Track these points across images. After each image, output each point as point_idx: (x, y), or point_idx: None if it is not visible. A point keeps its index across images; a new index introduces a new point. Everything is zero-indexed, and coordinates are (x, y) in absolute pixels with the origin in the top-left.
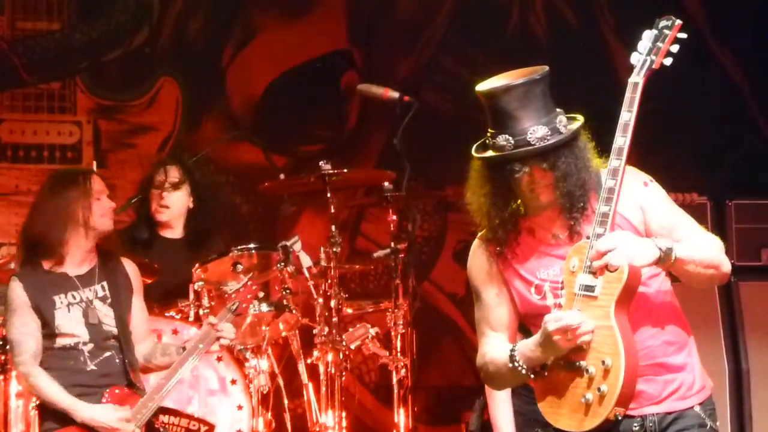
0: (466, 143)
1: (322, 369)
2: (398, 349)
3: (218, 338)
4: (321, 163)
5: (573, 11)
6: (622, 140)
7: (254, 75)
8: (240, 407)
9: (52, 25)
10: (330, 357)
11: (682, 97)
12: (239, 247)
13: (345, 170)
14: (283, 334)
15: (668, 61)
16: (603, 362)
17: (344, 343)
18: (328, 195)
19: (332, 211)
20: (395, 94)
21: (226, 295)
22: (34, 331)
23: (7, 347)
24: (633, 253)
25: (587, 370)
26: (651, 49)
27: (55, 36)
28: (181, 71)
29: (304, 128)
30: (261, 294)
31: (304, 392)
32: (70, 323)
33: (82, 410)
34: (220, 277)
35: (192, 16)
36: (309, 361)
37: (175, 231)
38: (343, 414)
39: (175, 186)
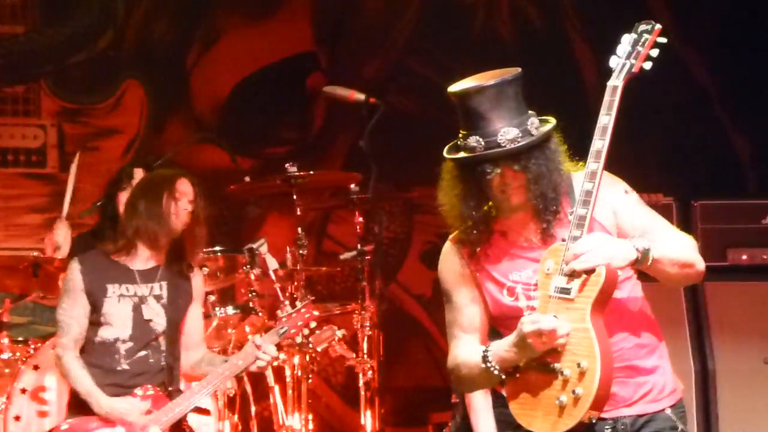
0: (432, 145)
1: (288, 372)
2: (365, 351)
3: (258, 358)
4: (287, 165)
5: (538, 12)
6: (600, 143)
7: (219, 77)
8: (206, 411)
9: (16, 29)
10: (296, 359)
11: (647, 98)
12: (205, 250)
13: (311, 172)
14: (250, 337)
15: (648, 65)
16: (578, 365)
17: (311, 345)
18: (294, 197)
19: (298, 213)
20: (361, 96)
21: (278, 318)
22: (80, 316)
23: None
24: (611, 254)
25: (562, 372)
26: (630, 53)
27: (19, 39)
28: (146, 74)
29: (270, 130)
30: (313, 324)
31: (270, 395)
32: (117, 315)
33: (103, 400)
34: None
35: (156, 18)
36: (275, 363)
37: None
38: (310, 416)
39: None
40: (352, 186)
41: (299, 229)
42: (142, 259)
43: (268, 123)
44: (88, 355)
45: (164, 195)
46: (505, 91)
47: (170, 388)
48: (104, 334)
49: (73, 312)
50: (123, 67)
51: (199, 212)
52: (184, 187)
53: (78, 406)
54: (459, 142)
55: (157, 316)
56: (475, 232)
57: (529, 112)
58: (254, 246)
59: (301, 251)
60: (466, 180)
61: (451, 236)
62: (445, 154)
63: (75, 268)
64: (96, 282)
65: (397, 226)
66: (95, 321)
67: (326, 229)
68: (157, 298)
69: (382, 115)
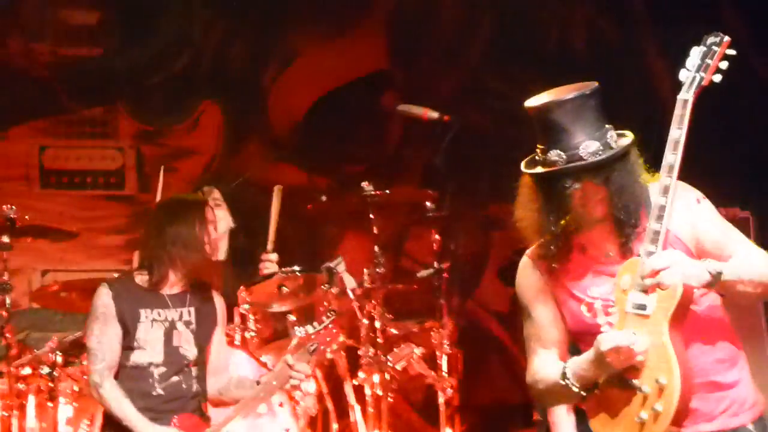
0: (507, 161)
1: (368, 390)
2: (444, 369)
3: (291, 377)
4: (362, 183)
5: (612, 25)
6: (672, 157)
7: (295, 96)
8: (287, 430)
9: (94, 51)
10: (376, 378)
11: (724, 110)
12: (284, 269)
13: (387, 191)
14: (329, 356)
15: (717, 78)
16: (657, 381)
17: (390, 363)
18: (371, 215)
19: (375, 231)
20: (435, 114)
21: (306, 334)
22: (113, 341)
23: (54, 373)
24: (686, 273)
25: (641, 389)
26: (700, 66)
27: (96, 62)
28: (223, 94)
29: (346, 149)
30: (341, 338)
31: (351, 414)
32: (150, 340)
33: (147, 429)
34: (266, 299)
35: (233, 39)
36: (355, 382)
37: (218, 253)
38: None
39: (216, 206)
40: (428, 203)
41: (376, 248)
42: (170, 284)
43: (344, 141)
44: (120, 379)
45: (197, 223)
46: (585, 104)
47: (206, 415)
48: (136, 358)
49: (106, 338)
50: (200, 88)
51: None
52: (211, 215)
53: (114, 428)
54: (537, 157)
55: (186, 342)
56: (553, 247)
57: (607, 125)
58: (332, 265)
59: (378, 269)
60: (546, 194)
61: (528, 251)
62: (523, 168)
63: (105, 293)
64: (128, 307)
65: (473, 243)
66: (127, 346)
67: (403, 247)
68: (187, 324)
69: (457, 132)
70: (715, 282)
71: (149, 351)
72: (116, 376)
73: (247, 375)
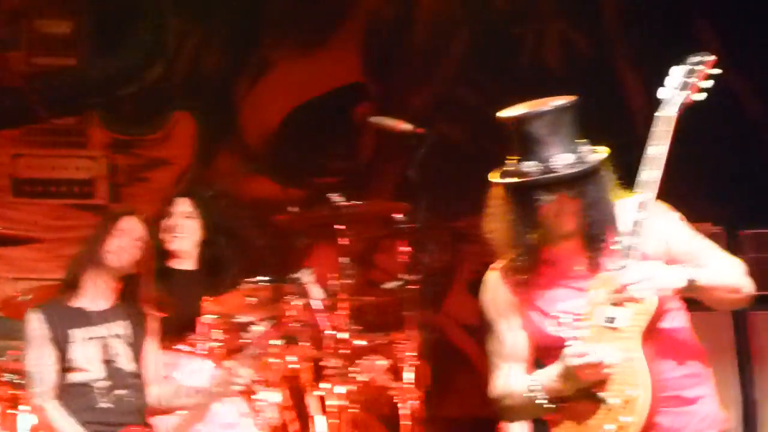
0: (480, 174)
1: (332, 401)
2: (410, 381)
3: (233, 383)
4: (332, 195)
5: (587, 41)
6: (651, 173)
7: (269, 108)
8: None
9: (68, 61)
10: (340, 389)
11: (695, 126)
12: (251, 279)
13: (358, 202)
14: (225, 363)
15: (700, 97)
16: (625, 393)
17: (354, 375)
18: (341, 227)
19: (344, 243)
20: (408, 127)
21: (247, 340)
22: (52, 363)
23: (18, 381)
24: (659, 284)
25: (608, 401)
26: (684, 85)
27: (70, 71)
28: (196, 105)
29: (319, 161)
30: (281, 341)
31: (312, 425)
32: (85, 359)
33: None
34: (232, 310)
35: (206, 50)
36: (319, 393)
37: (187, 262)
38: None
39: (186, 216)
40: (399, 215)
41: (344, 259)
42: (93, 299)
43: (317, 153)
44: (63, 399)
45: (104, 232)
46: (562, 117)
47: (151, 426)
48: (75, 377)
49: (42, 361)
50: (173, 98)
51: (146, 252)
52: (128, 225)
53: None
54: (508, 168)
55: (121, 357)
56: (526, 258)
57: (582, 140)
58: (300, 276)
59: (346, 281)
60: (518, 205)
61: (493, 265)
62: (495, 179)
63: (35, 318)
64: (59, 329)
65: (443, 256)
66: (66, 367)
67: (373, 259)
68: (119, 337)
69: (430, 145)
70: (690, 288)
71: (88, 369)
72: (60, 397)
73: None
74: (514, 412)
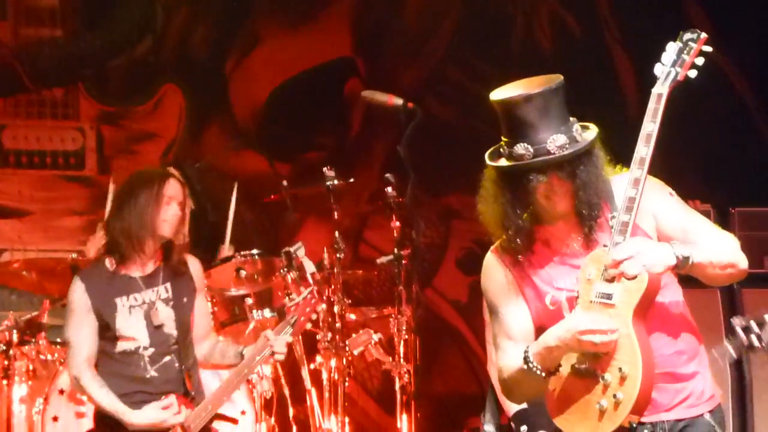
0: (469, 152)
1: (325, 375)
2: (401, 356)
3: (273, 353)
4: (324, 169)
5: (577, 21)
6: (644, 150)
7: (258, 82)
8: (243, 412)
9: (56, 32)
10: (333, 363)
11: (685, 105)
12: (242, 253)
13: (349, 178)
14: (263, 333)
15: (693, 74)
16: (620, 369)
17: (347, 349)
18: (332, 202)
19: (335, 217)
20: (399, 101)
21: (286, 308)
22: (90, 334)
23: (9, 351)
24: (651, 260)
25: (603, 377)
26: (676, 61)
27: (58, 43)
28: (185, 78)
29: (308, 135)
30: (322, 307)
31: (307, 398)
32: (132, 327)
33: (131, 415)
34: (224, 284)
35: (195, 23)
36: (312, 366)
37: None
38: (346, 420)
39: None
40: (389, 191)
41: (336, 233)
42: (141, 264)
43: (306, 128)
44: (109, 366)
45: (152, 201)
46: (551, 99)
47: (192, 393)
48: (123, 346)
49: (83, 331)
50: (162, 71)
51: (187, 212)
52: (173, 191)
53: (105, 421)
54: (502, 149)
55: (168, 320)
56: (518, 240)
57: (572, 119)
58: (292, 249)
59: (338, 255)
60: (511, 188)
61: (492, 247)
62: (487, 161)
63: (78, 287)
64: (102, 299)
65: (433, 232)
66: (111, 337)
67: (363, 234)
68: (166, 301)
69: (419, 122)
70: (683, 264)
71: (135, 338)
72: (105, 365)
73: None
74: (513, 388)
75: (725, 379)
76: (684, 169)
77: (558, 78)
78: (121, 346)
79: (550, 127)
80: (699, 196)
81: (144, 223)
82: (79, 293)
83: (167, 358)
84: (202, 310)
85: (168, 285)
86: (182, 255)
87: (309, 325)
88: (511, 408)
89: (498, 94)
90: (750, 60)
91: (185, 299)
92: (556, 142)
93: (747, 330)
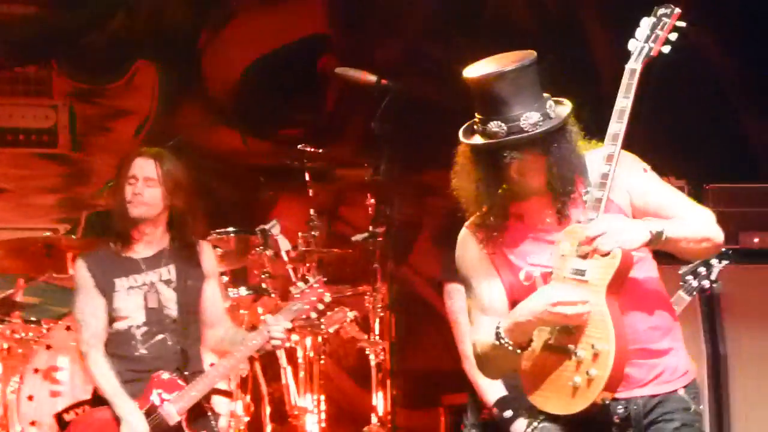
0: (445, 128)
1: (300, 353)
2: (376, 333)
3: (270, 339)
4: (299, 146)
5: None
6: (617, 126)
7: (232, 58)
8: (229, 393)
9: (28, 9)
10: (308, 341)
11: (660, 80)
12: (218, 231)
13: (322, 153)
14: (262, 317)
15: (666, 49)
16: (593, 346)
17: (323, 327)
18: (307, 179)
19: (310, 194)
20: (372, 78)
21: (291, 295)
22: (98, 311)
23: None
24: (625, 237)
25: (576, 354)
26: (649, 37)
27: (30, 19)
28: (158, 54)
29: (283, 112)
30: (327, 299)
31: (283, 376)
32: (128, 307)
33: (120, 405)
34: None
35: None
36: (287, 345)
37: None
38: (322, 398)
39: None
40: (365, 168)
41: (311, 211)
42: (144, 245)
43: (281, 104)
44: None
45: (117, 183)
46: (524, 75)
47: (186, 372)
48: (117, 326)
49: (89, 308)
50: (135, 47)
51: (178, 186)
52: (136, 169)
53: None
54: (476, 127)
55: (168, 301)
56: (493, 216)
57: (545, 94)
58: (267, 227)
59: (313, 232)
60: (485, 165)
61: (467, 222)
62: (461, 138)
63: (81, 266)
64: (103, 277)
65: (408, 209)
66: (108, 317)
67: (338, 211)
68: (167, 282)
69: (394, 98)
70: (656, 240)
71: (130, 317)
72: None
73: None
74: (488, 364)
75: (701, 354)
76: (659, 144)
77: (531, 54)
78: (116, 326)
79: (524, 104)
80: (673, 172)
81: (116, 207)
82: (82, 272)
83: (160, 336)
84: (212, 296)
85: (171, 267)
86: (190, 238)
87: (313, 315)
88: (492, 395)
89: (471, 71)
90: (726, 34)
91: (189, 282)
92: (529, 119)
93: (696, 274)
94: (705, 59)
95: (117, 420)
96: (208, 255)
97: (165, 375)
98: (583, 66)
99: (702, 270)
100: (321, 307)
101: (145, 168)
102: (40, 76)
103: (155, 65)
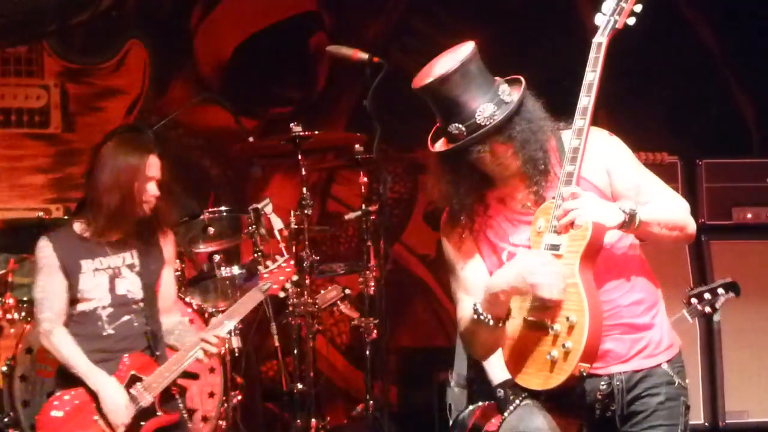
0: None
1: (293, 331)
2: (369, 311)
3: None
4: (291, 125)
5: None
6: (586, 100)
7: (222, 37)
8: (212, 369)
9: None
10: (302, 319)
11: (654, 58)
12: (210, 210)
13: (315, 132)
14: (282, 294)
15: (631, 21)
16: (567, 319)
17: (316, 305)
18: (299, 157)
19: (303, 173)
20: (364, 55)
21: (259, 274)
22: (60, 290)
23: None
24: (600, 214)
25: (552, 328)
26: (615, 10)
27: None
28: (149, 34)
29: (274, 90)
30: (295, 277)
31: (276, 354)
32: (93, 289)
33: (95, 378)
34: (191, 241)
35: None
36: (281, 323)
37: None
38: (315, 375)
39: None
40: (357, 146)
41: (304, 189)
42: (114, 231)
43: (272, 83)
44: (69, 327)
45: (134, 182)
46: (468, 71)
47: (157, 353)
48: (82, 307)
49: (50, 287)
50: (126, 26)
51: (164, 186)
52: (153, 170)
53: (68, 378)
54: (438, 131)
55: (132, 285)
56: (464, 217)
57: (496, 79)
58: (259, 206)
59: (306, 211)
60: (454, 168)
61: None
62: (430, 148)
63: (46, 245)
64: (69, 259)
65: (401, 187)
66: (72, 297)
67: (331, 190)
68: (131, 267)
69: (386, 76)
70: (630, 222)
71: (95, 298)
72: (68, 326)
73: None
74: (473, 341)
75: (694, 331)
76: (652, 120)
77: (469, 46)
78: (80, 307)
79: (476, 98)
80: (666, 148)
81: (118, 203)
82: (47, 251)
83: (126, 318)
84: (168, 281)
85: (134, 252)
86: (154, 225)
87: (281, 294)
88: (496, 376)
89: (416, 82)
90: (717, 10)
91: (152, 267)
92: (484, 112)
93: (700, 298)
94: (698, 36)
95: (92, 396)
96: (169, 243)
97: (137, 354)
98: (573, 39)
99: (707, 296)
100: (288, 286)
101: (157, 167)
102: (32, 57)
103: (146, 44)
